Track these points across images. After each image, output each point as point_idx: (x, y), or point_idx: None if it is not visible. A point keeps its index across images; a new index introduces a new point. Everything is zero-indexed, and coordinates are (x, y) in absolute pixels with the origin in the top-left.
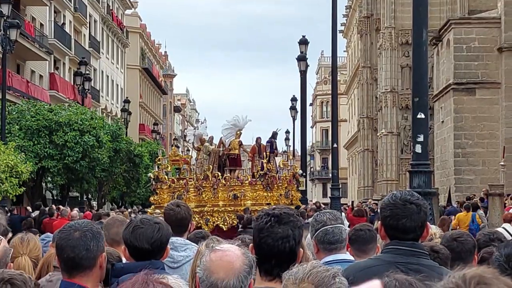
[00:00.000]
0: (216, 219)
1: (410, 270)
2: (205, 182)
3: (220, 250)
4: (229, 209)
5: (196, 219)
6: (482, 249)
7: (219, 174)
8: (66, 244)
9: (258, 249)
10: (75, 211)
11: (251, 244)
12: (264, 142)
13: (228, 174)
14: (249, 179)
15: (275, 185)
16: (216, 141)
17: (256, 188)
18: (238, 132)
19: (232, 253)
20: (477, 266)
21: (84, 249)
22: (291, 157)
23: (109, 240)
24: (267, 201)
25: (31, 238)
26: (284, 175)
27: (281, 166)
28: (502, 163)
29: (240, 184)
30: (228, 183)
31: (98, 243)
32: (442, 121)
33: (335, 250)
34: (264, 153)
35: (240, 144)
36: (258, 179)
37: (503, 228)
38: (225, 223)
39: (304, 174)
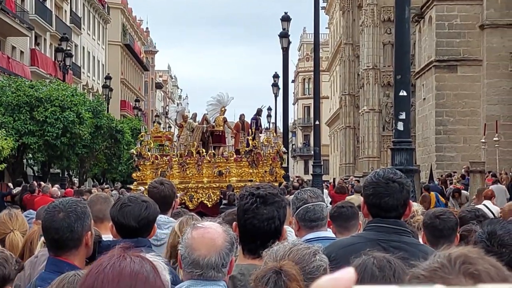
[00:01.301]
0: (201, 196)
1: (392, 247)
2: (189, 159)
3: (201, 227)
4: (214, 185)
5: (180, 195)
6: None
7: (204, 150)
8: (50, 226)
9: (243, 229)
10: (56, 187)
11: (234, 223)
12: (248, 119)
13: (213, 151)
14: (235, 156)
15: (260, 162)
16: (199, 118)
17: (242, 164)
18: (223, 109)
19: (214, 230)
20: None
21: (68, 231)
22: (274, 134)
23: (93, 218)
24: (252, 177)
25: (18, 214)
26: (268, 152)
27: (265, 143)
28: (483, 141)
29: (225, 160)
30: (213, 159)
31: (83, 223)
32: (424, 98)
33: (316, 228)
34: (250, 130)
35: (225, 120)
36: (243, 156)
37: (484, 205)
38: (210, 200)
39: (286, 151)
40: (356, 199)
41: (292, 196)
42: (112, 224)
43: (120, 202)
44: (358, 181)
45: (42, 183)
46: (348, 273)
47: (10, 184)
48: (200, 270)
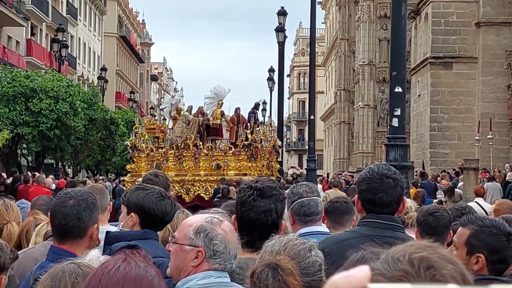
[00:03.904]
0: (197, 189)
1: (385, 243)
2: (185, 152)
3: (223, 221)
4: (212, 178)
5: (176, 188)
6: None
7: (201, 143)
8: (59, 211)
9: (241, 222)
10: (50, 178)
11: (233, 216)
12: (244, 113)
13: (210, 144)
14: (233, 149)
15: (259, 156)
16: (195, 110)
17: (240, 158)
18: (220, 102)
19: (228, 223)
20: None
21: (76, 218)
22: (271, 128)
23: None
24: (251, 171)
25: (13, 205)
26: (265, 146)
27: (262, 137)
28: (477, 138)
29: (223, 154)
30: (210, 152)
31: (91, 213)
32: (419, 95)
33: (310, 222)
34: (248, 124)
35: (222, 114)
36: (242, 149)
37: (476, 202)
38: (207, 193)
39: (281, 145)
40: (334, 193)
41: (288, 190)
42: (135, 212)
43: (155, 194)
44: (352, 176)
45: (36, 173)
46: (362, 271)
47: (4, 174)
48: (234, 260)
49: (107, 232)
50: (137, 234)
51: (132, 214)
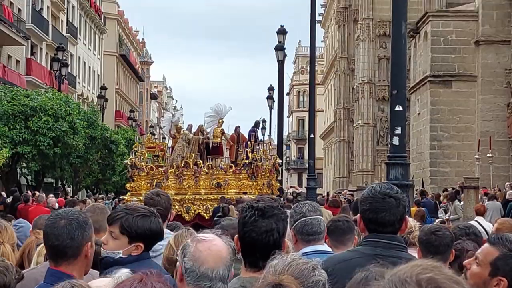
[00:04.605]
0: (198, 208)
1: (388, 262)
2: (185, 170)
3: (206, 240)
4: (212, 197)
5: (177, 207)
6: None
7: (201, 162)
8: (51, 232)
9: (243, 242)
10: (52, 197)
11: (236, 236)
12: (243, 131)
13: (210, 162)
14: (234, 168)
15: (259, 175)
16: (194, 129)
17: (241, 177)
18: (220, 121)
19: (219, 242)
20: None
21: (68, 237)
22: (271, 146)
23: None
24: (251, 190)
25: (8, 226)
26: (266, 165)
27: (263, 155)
28: (477, 156)
29: (223, 172)
30: (210, 171)
31: (83, 232)
32: (419, 113)
33: (313, 241)
34: (249, 142)
35: (223, 132)
36: (242, 168)
37: (476, 221)
38: (207, 212)
39: (281, 163)
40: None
41: (291, 209)
42: (142, 242)
43: (157, 217)
44: (352, 194)
45: (36, 192)
46: None
47: (4, 193)
48: (209, 283)
49: (103, 258)
50: (134, 259)
51: (140, 244)
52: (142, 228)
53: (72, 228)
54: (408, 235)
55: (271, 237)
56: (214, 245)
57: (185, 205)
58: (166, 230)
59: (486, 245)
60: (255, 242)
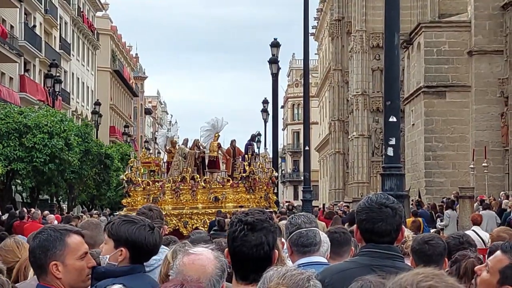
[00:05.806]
0: (195, 222)
1: (385, 272)
2: (182, 185)
3: (193, 253)
4: (210, 211)
5: (174, 221)
6: (452, 252)
7: (198, 176)
8: (30, 247)
9: (233, 256)
10: (49, 214)
11: (226, 250)
12: (239, 144)
13: (207, 177)
14: (231, 182)
15: (257, 188)
16: (190, 143)
17: (238, 190)
18: (216, 135)
19: (205, 257)
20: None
21: (32, 255)
22: (267, 160)
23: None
24: (249, 203)
25: (24, 242)
26: (263, 178)
27: (260, 168)
28: (472, 166)
29: (221, 186)
30: (208, 185)
31: (46, 251)
32: (413, 124)
33: (309, 253)
34: (246, 155)
35: (219, 146)
36: (240, 181)
37: (473, 230)
38: (205, 226)
39: (277, 176)
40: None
41: (286, 221)
42: (125, 247)
43: (145, 227)
44: (348, 206)
45: (32, 209)
46: None
47: None
48: None
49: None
50: (125, 270)
51: (122, 249)
52: (124, 232)
53: (35, 245)
54: (402, 245)
55: (261, 250)
56: (198, 259)
57: (182, 219)
58: None
59: (498, 252)
60: (246, 256)
